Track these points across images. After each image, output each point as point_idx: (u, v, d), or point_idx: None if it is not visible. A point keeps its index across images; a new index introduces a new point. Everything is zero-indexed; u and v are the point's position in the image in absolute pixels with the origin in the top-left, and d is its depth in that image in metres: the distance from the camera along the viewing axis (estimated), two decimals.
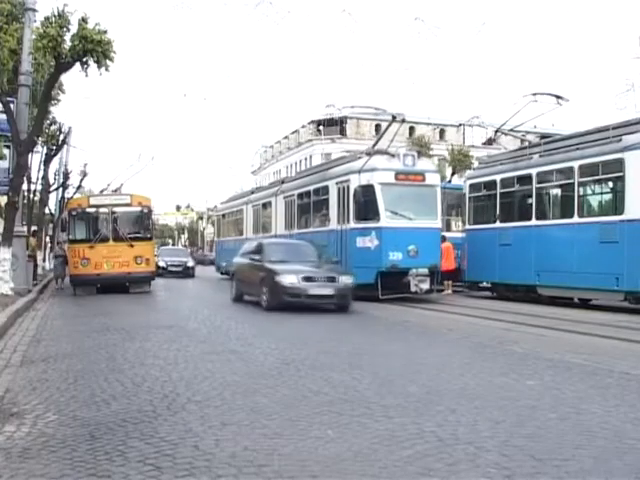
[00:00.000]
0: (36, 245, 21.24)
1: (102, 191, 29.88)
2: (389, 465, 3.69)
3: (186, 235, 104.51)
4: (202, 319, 11.71)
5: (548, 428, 4.45)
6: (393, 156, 16.45)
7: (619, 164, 13.15)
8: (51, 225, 33.77)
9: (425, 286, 15.83)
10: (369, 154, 16.85)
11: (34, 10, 16.05)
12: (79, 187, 36.59)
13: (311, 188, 19.55)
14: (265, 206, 24.63)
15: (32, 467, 3.68)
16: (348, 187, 16.75)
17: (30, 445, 4.08)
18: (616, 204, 13.72)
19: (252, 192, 28.61)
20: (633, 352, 8.22)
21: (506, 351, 8.17)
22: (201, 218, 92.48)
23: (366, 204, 16.18)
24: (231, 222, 30.49)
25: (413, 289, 15.65)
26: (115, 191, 26.46)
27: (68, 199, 30.79)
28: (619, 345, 8.76)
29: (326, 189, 18.24)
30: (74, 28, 14.29)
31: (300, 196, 20.51)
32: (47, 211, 32.86)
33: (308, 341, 8.96)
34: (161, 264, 28.53)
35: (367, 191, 16.10)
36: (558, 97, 16.58)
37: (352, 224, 16.51)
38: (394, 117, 16.87)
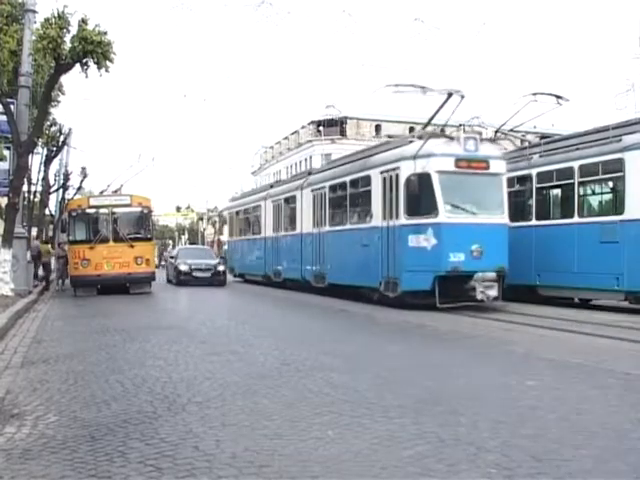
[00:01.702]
0: (46, 251, 21.13)
1: (102, 192, 29.83)
2: (389, 465, 3.69)
3: (186, 236, 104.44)
4: (202, 320, 11.71)
5: (548, 428, 4.45)
6: (452, 139, 14.05)
7: (619, 164, 13.14)
8: (51, 226, 33.75)
9: (493, 293, 13.45)
10: (421, 137, 14.51)
11: (34, 11, 16.09)
12: (79, 188, 36.60)
13: (347, 179, 16.98)
14: (288, 201, 21.73)
15: (33, 468, 3.68)
16: (397, 176, 14.26)
17: (31, 446, 4.08)
18: (616, 204, 13.72)
19: (271, 186, 25.77)
20: (633, 352, 8.22)
21: (506, 351, 8.17)
22: (201, 219, 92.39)
23: (421, 196, 13.97)
24: (246, 220, 27.54)
25: (479, 297, 13.30)
26: (115, 192, 26.45)
27: (68, 200, 30.79)
28: (619, 345, 8.75)
29: (367, 179, 15.74)
30: (74, 29, 14.35)
31: (332, 189, 17.93)
32: (47, 212, 32.86)
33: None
34: (183, 268, 23.81)
35: (422, 181, 13.77)
36: (558, 97, 16.50)
37: (402, 220, 14.06)
38: (450, 94, 13.93)
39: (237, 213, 29.06)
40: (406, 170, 14.06)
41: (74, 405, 5.18)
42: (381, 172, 14.97)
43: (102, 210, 19.49)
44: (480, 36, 38.85)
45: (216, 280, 23.75)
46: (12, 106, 16.00)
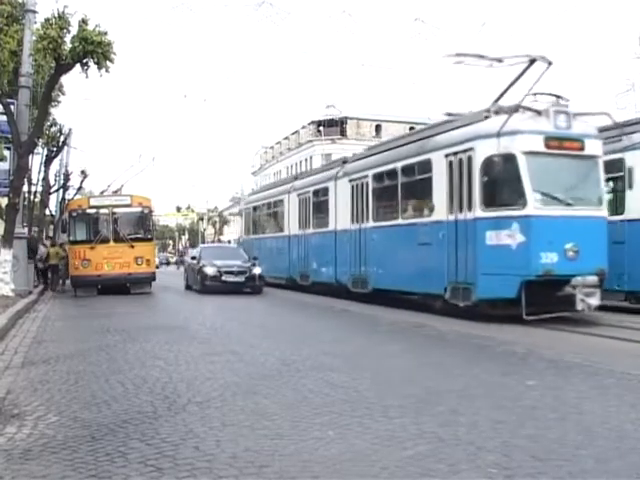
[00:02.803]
0: (55, 253, 21.18)
1: (102, 192, 29.91)
2: (390, 465, 3.70)
3: (187, 236, 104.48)
4: (203, 320, 11.71)
5: (549, 428, 4.46)
6: (539, 114, 11.49)
7: (620, 164, 13.12)
8: (52, 226, 33.76)
9: (594, 301, 11.19)
10: (498, 112, 11.83)
11: (34, 12, 16.10)
12: (79, 188, 36.61)
13: (398, 166, 14.26)
14: (318, 194, 19.09)
15: (33, 468, 3.68)
16: (470, 159, 11.73)
17: (31, 446, 4.08)
18: (617, 204, 13.67)
19: (296, 177, 22.95)
20: (633, 352, 8.21)
21: (506, 351, 8.17)
22: (201, 219, 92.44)
23: (503, 183, 11.66)
24: (266, 216, 24.60)
25: (580, 306, 10.99)
26: (115, 192, 26.50)
27: (68, 200, 30.80)
28: (619, 345, 8.75)
29: (426, 165, 13.14)
30: (74, 30, 14.35)
31: (378, 177, 15.33)
32: (47, 212, 32.86)
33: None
34: (209, 271, 19.01)
35: (505, 164, 11.30)
36: (558, 97, 16.45)
37: (478, 212, 11.48)
38: (533, 60, 11.59)
39: (255, 209, 25.89)
40: (483, 151, 11.53)
41: (74, 405, 5.19)
42: (446, 155, 12.38)
43: (102, 210, 19.50)
44: (480, 36, 38.84)
45: (250, 286, 19.04)
46: (12, 106, 16.01)
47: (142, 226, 20.28)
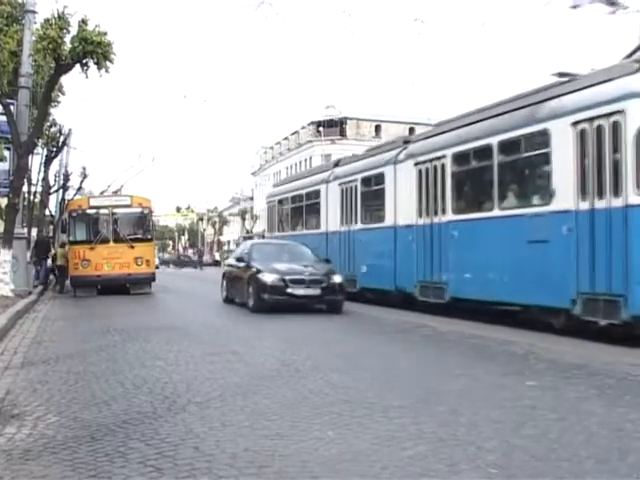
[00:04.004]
0: (62, 255, 21.28)
1: (102, 192, 29.90)
2: (390, 466, 3.70)
3: (186, 236, 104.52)
4: (203, 320, 11.70)
5: (548, 428, 4.45)
6: None
7: None
8: (51, 227, 33.77)
9: None
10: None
11: (34, 12, 16.09)
12: (79, 189, 36.59)
13: (493, 141, 11.04)
14: (369, 182, 15.64)
15: (33, 469, 3.68)
16: (616, 126, 8.75)
17: (31, 447, 4.08)
18: None
19: (336, 164, 18.80)
20: (633, 352, 8.21)
21: (506, 352, 8.16)
22: (201, 219, 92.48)
23: None
24: (296, 210, 20.52)
25: None
26: (115, 192, 26.50)
27: (68, 201, 30.80)
28: (619, 345, 8.74)
29: (541, 137, 10.06)
30: (74, 30, 14.35)
31: (460, 159, 12.19)
32: (47, 213, 32.86)
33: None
34: (270, 280, 13.09)
35: None
36: None
37: (632, 197, 8.56)
38: None
39: (281, 202, 21.84)
40: (638, 116, 8.61)
41: (74, 406, 5.18)
42: (574, 123, 9.36)
43: (102, 211, 19.48)
44: (480, 36, 38.81)
45: (328, 301, 13.22)
46: (12, 107, 16.00)
47: (142, 226, 20.25)
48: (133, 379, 6.18)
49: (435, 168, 12.83)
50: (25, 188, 20.18)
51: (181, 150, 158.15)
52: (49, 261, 21.99)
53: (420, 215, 13.25)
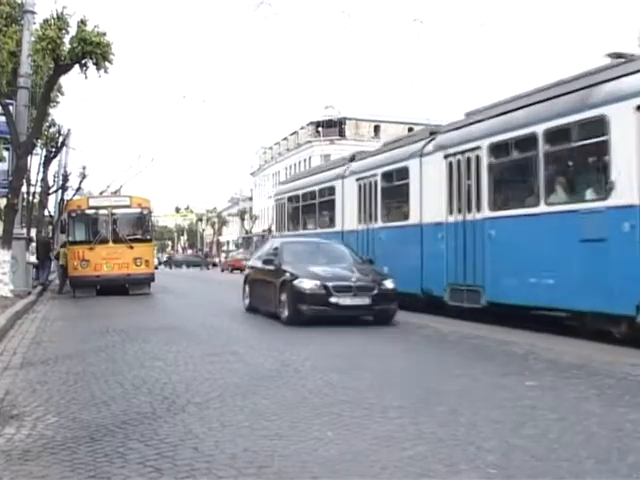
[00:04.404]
0: (64, 255, 21.31)
1: (101, 193, 29.86)
2: (389, 466, 3.69)
3: (185, 237, 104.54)
4: (202, 321, 11.69)
5: (548, 428, 4.45)
6: None
7: None
8: (50, 227, 33.75)
9: None
10: None
11: (33, 12, 16.07)
12: (78, 189, 36.58)
13: (538, 130, 9.93)
14: (389, 177, 14.60)
15: (32, 469, 3.68)
16: None
17: (30, 447, 4.08)
18: None
19: (352, 159, 17.50)
20: (633, 352, 8.21)
21: (506, 352, 8.16)
22: (200, 220, 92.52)
23: None
24: (308, 207, 19.33)
25: None
26: (114, 193, 26.46)
27: (67, 201, 30.78)
28: (619, 345, 8.74)
29: (596, 123, 8.96)
30: (73, 30, 14.32)
31: (498, 150, 11.11)
32: (46, 213, 32.85)
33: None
34: (308, 287, 10.94)
35: None
36: None
37: None
38: None
39: (290, 199, 20.75)
40: None
41: (73, 406, 5.18)
42: (638, 107, 8.31)
43: (101, 211, 19.47)
44: (479, 36, 38.81)
45: (379, 312, 11.08)
46: (11, 107, 15.98)
47: (141, 227, 20.25)
48: (132, 379, 6.17)
49: (468, 160, 11.72)
50: (24, 188, 20.16)
51: (180, 150, 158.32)
52: (52, 262, 22.05)
53: (451, 212, 12.18)
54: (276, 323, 11.17)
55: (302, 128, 67.24)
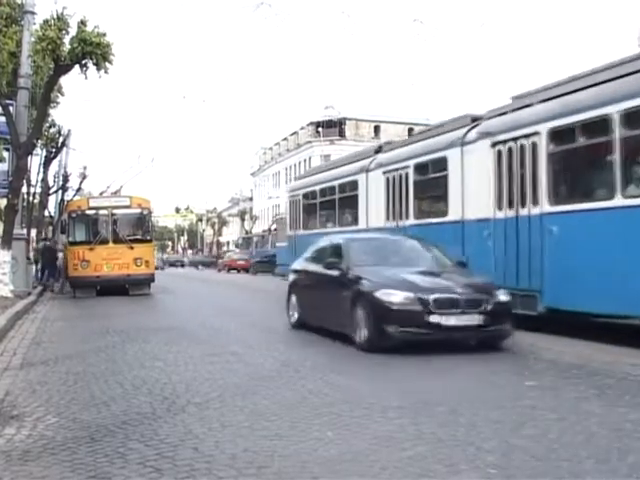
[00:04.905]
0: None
1: (102, 193, 29.85)
2: (389, 466, 3.70)
3: (185, 237, 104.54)
4: (202, 321, 11.69)
5: (548, 428, 4.45)
6: None
7: None
8: (51, 227, 33.75)
9: None
10: None
11: (33, 13, 16.08)
12: (79, 189, 36.57)
13: (612, 111, 8.63)
14: (424, 169, 12.99)
15: (32, 470, 3.68)
16: None
17: (30, 448, 4.08)
18: None
19: (378, 150, 15.88)
20: (633, 352, 8.21)
21: (505, 351, 8.15)
22: (200, 220, 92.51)
23: None
24: (327, 204, 17.71)
25: None
26: (115, 193, 26.45)
27: (67, 201, 30.77)
28: (619, 345, 8.73)
29: None
30: (73, 31, 14.33)
31: (560, 135, 9.63)
32: (47, 214, 32.85)
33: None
34: (395, 300, 7.87)
35: None
36: None
37: None
38: None
39: (306, 196, 19.14)
40: None
41: (73, 406, 5.18)
42: None
43: (102, 211, 19.47)
44: (479, 37, 38.87)
45: (494, 333, 8.20)
46: (11, 107, 15.98)
47: (141, 227, 20.25)
48: (132, 380, 6.17)
49: (522, 148, 10.25)
50: (24, 189, 20.19)
51: (180, 151, 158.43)
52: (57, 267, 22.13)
53: (500, 207, 10.64)
54: (345, 347, 8.24)
55: (302, 128, 67.24)
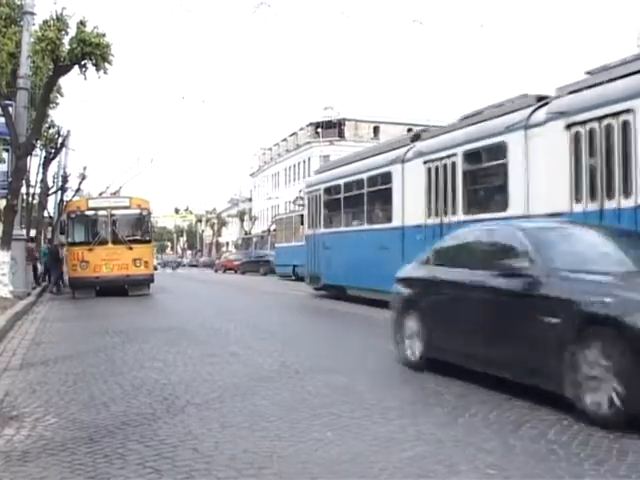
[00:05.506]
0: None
1: (101, 194, 29.85)
2: (389, 467, 3.70)
3: (185, 238, 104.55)
4: (201, 321, 11.69)
5: (548, 428, 4.45)
6: None
7: None
8: (50, 228, 33.74)
9: None
10: None
11: (32, 13, 16.06)
12: (78, 190, 36.57)
13: None
14: (476, 157, 11.53)
15: (31, 470, 3.68)
16: None
17: (29, 448, 4.08)
18: None
19: (415, 138, 14.29)
20: None
21: None
22: (200, 220, 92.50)
23: None
24: (353, 199, 16.07)
25: None
26: (114, 194, 26.45)
27: (67, 202, 30.77)
28: None
29: None
30: (72, 31, 14.33)
31: None
32: (46, 214, 32.85)
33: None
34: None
35: None
36: None
37: None
38: None
39: (328, 191, 17.53)
40: None
41: (73, 407, 5.18)
42: None
43: (101, 212, 19.46)
44: (478, 37, 38.90)
45: None
46: (11, 108, 15.97)
47: (140, 228, 20.23)
48: (132, 380, 6.17)
49: (608, 130, 8.52)
50: (24, 189, 20.18)
51: (179, 151, 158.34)
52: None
53: (578, 200, 8.99)
54: (560, 420, 4.74)
55: (301, 129, 67.22)
